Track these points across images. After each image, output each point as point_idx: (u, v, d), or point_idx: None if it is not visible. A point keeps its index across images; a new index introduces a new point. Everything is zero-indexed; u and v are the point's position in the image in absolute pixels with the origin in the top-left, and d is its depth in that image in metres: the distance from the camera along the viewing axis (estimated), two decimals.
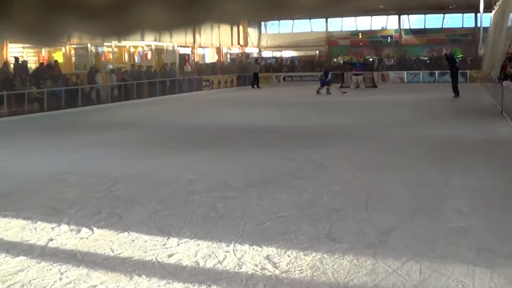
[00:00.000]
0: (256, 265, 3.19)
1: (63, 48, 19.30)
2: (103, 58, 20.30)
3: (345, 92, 20.06)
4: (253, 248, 3.48)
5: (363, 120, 11.19)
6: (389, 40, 31.20)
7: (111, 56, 20.72)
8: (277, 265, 3.19)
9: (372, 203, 4.54)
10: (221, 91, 24.13)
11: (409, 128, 9.68)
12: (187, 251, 3.48)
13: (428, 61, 28.54)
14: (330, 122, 10.91)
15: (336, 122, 10.89)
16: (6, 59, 16.91)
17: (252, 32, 33.17)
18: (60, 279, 3.05)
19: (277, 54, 34.76)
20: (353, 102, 16.36)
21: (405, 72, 27.37)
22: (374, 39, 31.44)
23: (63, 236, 3.84)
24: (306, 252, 3.40)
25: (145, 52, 23.01)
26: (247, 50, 33.79)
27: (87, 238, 3.78)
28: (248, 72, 28.34)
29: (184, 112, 14.30)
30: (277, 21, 32.71)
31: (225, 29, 30.79)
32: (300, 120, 11.51)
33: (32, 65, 18.18)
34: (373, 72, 25.16)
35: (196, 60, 28.79)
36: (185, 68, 26.24)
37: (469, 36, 28.92)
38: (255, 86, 26.08)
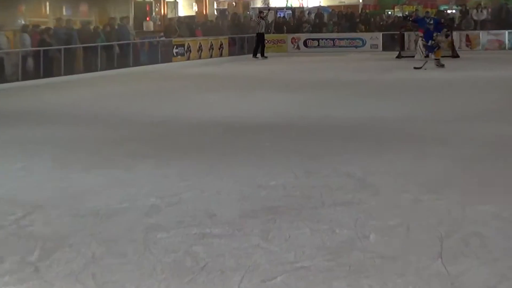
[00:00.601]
0: None
1: None
2: None
3: (411, 59, 20.05)
4: None
5: (432, 111, 11.22)
6: None
7: (23, 6, 20.77)
8: None
9: (449, 247, 4.52)
10: (203, 63, 24.13)
11: (509, 125, 9.68)
12: None
13: None
14: (379, 114, 10.91)
15: (387, 115, 10.90)
16: None
17: None
18: None
19: (295, 2, 34.80)
20: (417, 82, 16.33)
21: (506, 32, 27.38)
22: None
23: None
24: None
25: None
26: None
27: None
28: (247, 33, 28.37)
29: (144, 98, 14.29)
30: None
31: None
32: (330, 111, 11.53)
33: None
34: (453, 33, 25.16)
35: (162, 13, 28.84)
36: (145, 25, 26.27)
37: None
38: (258, 55, 26.13)
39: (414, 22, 24.41)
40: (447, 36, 21.51)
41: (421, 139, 8.63)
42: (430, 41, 20.32)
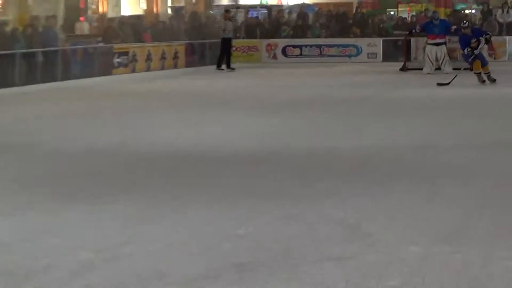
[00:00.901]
0: None
1: None
2: None
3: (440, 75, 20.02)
4: None
5: (449, 139, 11.30)
6: None
7: None
8: None
9: None
10: (153, 77, 24.17)
11: None
12: None
13: None
14: (380, 143, 11.00)
15: (391, 143, 11.00)
16: None
17: None
18: None
19: (272, 0, 35.07)
20: (428, 101, 16.47)
21: None
22: None
23: None
24: None
25: None
26: None
27: None
28: (209, 38, 28.44)
29: (76, 122, 14.25)
30: None
31: None
32: (316, 139, 11.64)
33: None
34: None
35: (101, 11, 28.87)
36: (78, 27, 26.25)
37: None
38: (223, 66, 26.20)
39: (423, 31, 24.45)
40: (487, 41, 21.24)
41: (435, 175, 8.67)
42: (466, 49, 20.23)
